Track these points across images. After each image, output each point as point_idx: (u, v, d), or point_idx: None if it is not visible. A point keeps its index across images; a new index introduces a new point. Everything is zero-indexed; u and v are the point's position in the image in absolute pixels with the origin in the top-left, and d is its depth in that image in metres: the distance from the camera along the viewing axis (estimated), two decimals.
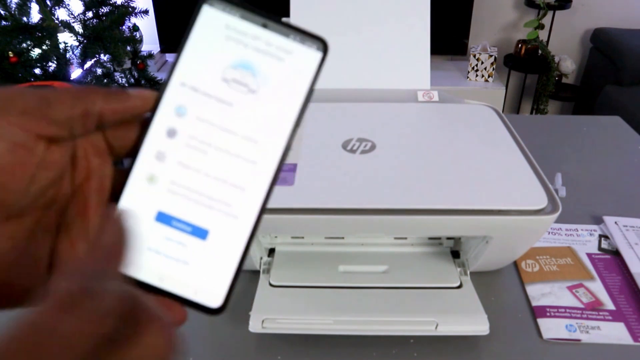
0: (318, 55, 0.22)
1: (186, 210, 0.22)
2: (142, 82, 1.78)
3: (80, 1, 1.64)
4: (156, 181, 0.22)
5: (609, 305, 0.51)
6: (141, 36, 1.96)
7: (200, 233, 0.22)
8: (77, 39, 1.61)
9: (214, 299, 0.22)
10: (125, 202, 0.22)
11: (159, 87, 0.22)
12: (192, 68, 0.22)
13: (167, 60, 2.38)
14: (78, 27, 1.62)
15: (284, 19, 0.23)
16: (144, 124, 0.22)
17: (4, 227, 0.20)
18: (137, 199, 0.22)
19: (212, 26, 0.22)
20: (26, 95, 0.19)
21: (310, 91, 0.22)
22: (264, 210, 0.22)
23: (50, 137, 0.20)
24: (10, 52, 1.43)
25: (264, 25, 0.22)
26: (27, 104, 0.19)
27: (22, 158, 0.19)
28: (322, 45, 0.22)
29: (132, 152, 0.22)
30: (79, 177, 0.22)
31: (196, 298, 0.21)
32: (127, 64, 1.75)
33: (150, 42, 2.27)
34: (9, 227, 0.20)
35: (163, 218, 0.22)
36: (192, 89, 0.22)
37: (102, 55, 1.68)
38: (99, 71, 1.70)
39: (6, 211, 0.20)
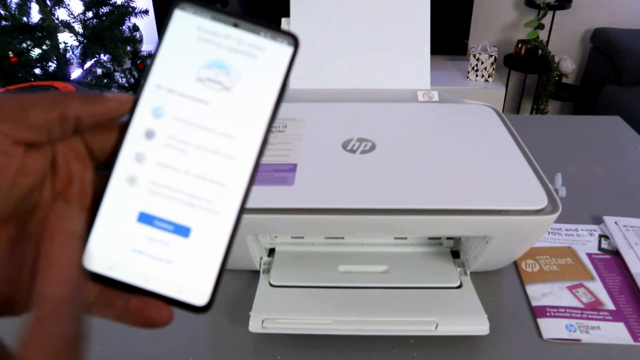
0: (289, 50, 0.23)
1: (167, 209, 0.22)
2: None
3: (80, 1, 1.65)
4: (136, 182, 0.22)
5: (609, 305, 0.51)
6: (141, 36, 1.96)
7: (182, 231, 0.22)
8: (77, 39, 1.62)
9: (200, 297, 0.22)
10: (107, 204, 0.22)
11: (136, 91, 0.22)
12: (167, 70, 0.22)
13: None
14: (78, 27, 1.62)
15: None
16: (123, 127, 0.22)
17: None
18: (118, 201, 0.22)
19: (184, 29, 0.23)
20: (2, 101, 0.19)
21: (284, 85, 0.23)
22: (245, 204, 0.22)
23: (28, 142, 0.20)
24: (10, 52, 1.43)
25: (235, 25, 0.23)
26: (3, 110, 0.19)
27: (1, 163, 0.19)
28: (293, 40, 0.23)
29: (112, 156, 0.22)
30: (60, 182, 0.22)
31: (182, 297, 0.22)
32: (127, 64, 1.75)
33: (150, 42, 2.27)
34: None
35: (145, 218, 0.22)
36: (168, 90, 0.22)
37: (102, 55, 1.69)
38: (99, 71, 1.70)
39: None
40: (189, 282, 0.22)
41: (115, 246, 0.21)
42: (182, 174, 0.22)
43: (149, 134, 0.22)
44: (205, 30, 0.23)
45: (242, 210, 0.22)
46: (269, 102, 0.23)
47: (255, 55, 0.23)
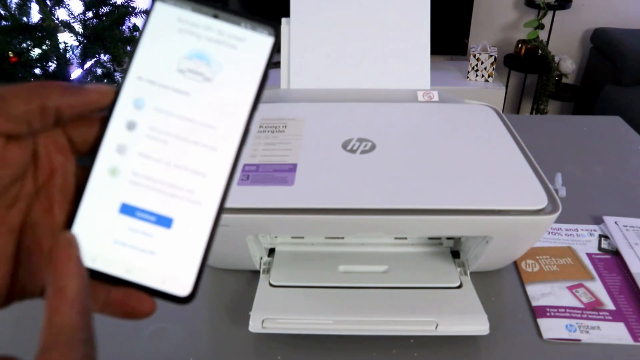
0: (269, 40, 0.23)
1: (149, 200, 0.22)
2: None
3: (80, 1, 1.64)
4: (118, 173, 0.22)
5: (609, 305, 0.51)
6: None
7: (164, 222, 0.22)
8: (77, 39, 1.61)
9: (183, 288, 0.22)
10: (89, 196, 0.22)
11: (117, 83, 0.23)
12: (147, 62, 0.22)
13: None
14: (78, 27, 1.62)
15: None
16: (104, 119, 0.22)
17: None
18: (100, 193, 0.22)
19: (164, 21, 0.23)
20: None
21: (265, 75, 0.23)
22: (227, 194, 0.22)
23: (8, 134, 0.20)
24: (10, 52, 1.43)
25: (215, 16, 0.23)
26: None
27: None
28: (273, 30, 0.23)
29: (94, 147, 0.22)
30: (42, 175, 0.22)
31: (164, 288, 0.22)
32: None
33: None
34: None
35: (127, 209, 0.22)
36: (149, 81, 0.22)
37: (102, 55, 1.68)
38: (99, 71, 1.70)
39: None
40: (171, 273, 0.22)
41: (98, 238, 0.22)
42: (164, 165, 0.22)
43: (131, 126, 0.22)
44: (185, 21, 0.23)
45: (224, 200, 0.22)
46: (250, 93, 0.23)
47: (236, 46, 0.23)
